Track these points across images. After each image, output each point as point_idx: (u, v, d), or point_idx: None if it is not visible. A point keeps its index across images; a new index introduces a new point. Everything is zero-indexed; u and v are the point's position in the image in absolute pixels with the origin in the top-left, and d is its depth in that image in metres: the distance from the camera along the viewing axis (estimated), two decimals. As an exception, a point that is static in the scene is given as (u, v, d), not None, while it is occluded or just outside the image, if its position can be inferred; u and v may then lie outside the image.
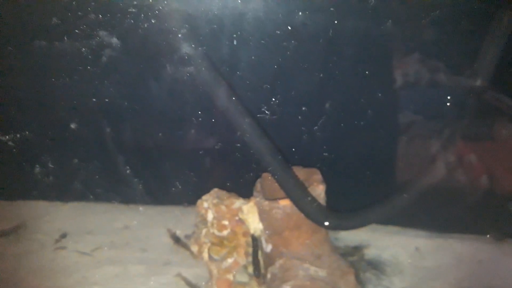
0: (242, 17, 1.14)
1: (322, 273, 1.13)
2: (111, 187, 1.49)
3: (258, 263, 1.25)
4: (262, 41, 1.17)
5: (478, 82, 1.26)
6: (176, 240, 1.43)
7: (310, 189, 1.20)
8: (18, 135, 1.35)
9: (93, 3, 1.10)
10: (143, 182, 1.47)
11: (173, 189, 1.48)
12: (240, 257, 1.23)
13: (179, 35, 1.10)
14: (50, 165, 1.42)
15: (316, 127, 1.28)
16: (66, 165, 1.44)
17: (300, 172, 1.27)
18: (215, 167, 1.41)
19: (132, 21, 1.11)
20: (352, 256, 1.39)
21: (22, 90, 1.31)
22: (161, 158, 1.44)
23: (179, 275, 1.28)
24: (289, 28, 1.14)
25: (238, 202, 1.28)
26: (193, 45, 1.11)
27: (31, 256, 1.32)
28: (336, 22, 1.14)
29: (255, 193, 1.29)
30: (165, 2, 1.08)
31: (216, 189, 1.35)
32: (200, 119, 1.31)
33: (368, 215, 1.23)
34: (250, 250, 1.25)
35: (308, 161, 1.31)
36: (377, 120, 1.31)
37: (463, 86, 1.26)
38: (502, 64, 1.23)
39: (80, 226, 1.46)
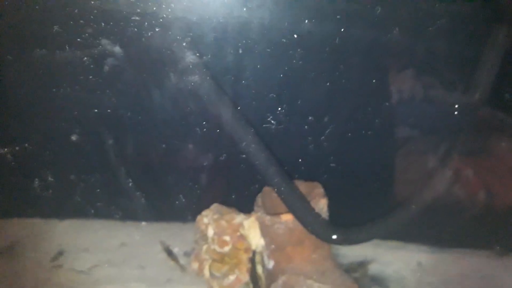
0: (248, 25, 1.14)
1: (326, 289, 1.11)
2: (107, 204, 1.47)
3: (256, 279, 1.23)
4: (268, 50, 1.17)
5: (477, 96, 1.26)
6: (169, 253, 1.41)
7: (312, 203, 1.18)
8: (13, 151, 1.33)
9: (95, 11, 1.10)
10: (140, 198, 1.45)
11: (171, 205, 1.45)
12: (242, 274, 1.21)
13: (183, 44, 1.10)
14: (46, 182, 1.39)
15: (323, 137, 1.27)
16: (62, 182, 1.41)
17: (301, 186, 1.26)
18: (215, 181, 1.40)
19: (136, 30, 1.11)
20: (355, 272, 1.37)
21: (19, 102, 1.29)
22: (158, 173, 1.42)
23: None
24: (295, 36, 1.15)
25: (239, 217, 1.26)
26: (197, 55, 1.10)
27: (26, 275, 1.30)
28: (342, 30, 1.14)
29: (256, 208, 1.27)
30: (169, 10, 1.08)
31: (216, 204, 1.33)
32: (201, 132, 1.30)
33: (372, 230, 1.22)
34: (252, 267, 1.23)
35: (315, 172, 1.30)
36: (384, 130, 1.31)
37: (469, 98, 1.27)
38: (500, 78, 1.24)
39: (76, 243, 1.44)
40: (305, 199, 1.17)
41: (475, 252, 1.46)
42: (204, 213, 1.30)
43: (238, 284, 1.20)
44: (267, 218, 1.19)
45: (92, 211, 1.45)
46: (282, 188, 1.15)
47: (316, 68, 1.21)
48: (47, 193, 1.40)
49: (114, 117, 1.29)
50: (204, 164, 1.36)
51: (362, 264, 1.40)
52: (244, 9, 1.10)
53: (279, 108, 1.25)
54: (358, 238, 1.22)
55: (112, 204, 1.45)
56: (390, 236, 1.47)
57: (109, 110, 1.27)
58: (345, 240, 1.18)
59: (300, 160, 1.33)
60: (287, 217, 1.17)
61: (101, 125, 1.31)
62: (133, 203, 1.43)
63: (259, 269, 1.26)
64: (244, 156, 1.16)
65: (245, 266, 1.22)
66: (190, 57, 1.11)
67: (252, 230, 1.24)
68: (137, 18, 1.11)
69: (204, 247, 1.25)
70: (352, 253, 1.42)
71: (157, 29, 1.10)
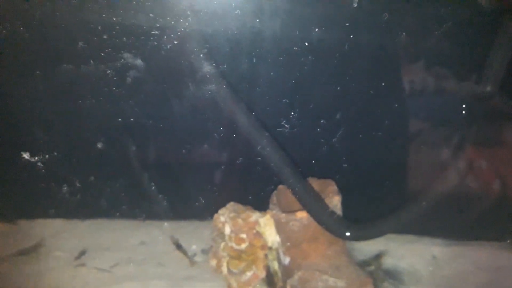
0: (261, 35, 1.18)
1: (341, 283, 1.13)
2: (127, 204, 1.51)
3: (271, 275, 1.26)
4: (280, 58, 1.20)
5: (489, 88, 1.27)
6: (178, 246, 1.45)
7: (326, 200, 1.21)
8: (39, 155, 1.38)
9: (117, 27, 1.14)
10: (159, 198, 1.49)
11: (189, 204, 1.49)
12: (259, 270, 1.24)
13: (200, 55, 1.13)
14: (69, 184, 1.44)
15: (335, 139, 1.30)
16: (84, 183, 1.46)
17: (315, 183, 1.28)
18: (231, 182, 1.43)
19: (155, 43, 1.15)
20: (370, 266, 1.39)
21: (48, 112, 1.35)
22: (177, 175, 1.46)
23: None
24: (306, 44, 1.17)
25: (254, 215, 1.29)
26: (213, 64, 1.14)
27: (51, 274, 1.34)
28: (351, 36, 1.16)
29: (271, 206, 1.30)
30: (186, 24, 1.11)
31: (232, 203, 1.36)
32: (217, 135, 1.33)
33: (387, 224, 1.24)
34: (269, 263, 1.26)
35: (328, 172, 1.33)
36: (394, 130, 1.33)
37: (475, 93, 1.27)
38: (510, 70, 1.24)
39: (98, 243, 1.47)
40: (320, 198, 1.19)
41: (491, 244, 1.47)
42: (220, 211, 1.33)
43: (255, 280, 1.24)
44: (282, 216, 1.22)
45: (113, 211, 1.50)
46: (297, 189, 1.17)
47: (327, 73, 1.24)
48: (69, 195, 1.45)
49: (136, 124, 1.34)
50: (221, 166, 1.40)
51: (376, 258, 1.42)
52: (257, 20, 1.13)
53: (292, 112, 1.28)
54: (372, 233, 1.24)
55: (132, 204, 1.50)
56: (403, 230, 1.49)
57: (132, 119, 1.33)
58: (360, 236, 1.21)
59: (313, 161, 1.36)
60: (302, 214, 1.20)
61: (124, 132, 1.36)
62: (152, 203, 1.48)
63: (275, 265, 1.29)
64: (259, 158, 1.20)
65: (262, 262, 1.25)
66: (207, 67, 1.15)
67: (267, 228, 1.27)
68: (157, 32, 1.15)
69: (222, 244, 1.28)
70: (366, 247, 1.44)
71: (175, 42, 1.14)
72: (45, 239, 1.46)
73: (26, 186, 1.46)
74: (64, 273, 1.34)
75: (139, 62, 1.20)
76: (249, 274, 1.23)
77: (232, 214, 1.30)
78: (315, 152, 1.36)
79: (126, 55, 1.18)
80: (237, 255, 1.26)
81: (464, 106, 1.27)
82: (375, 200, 1.41)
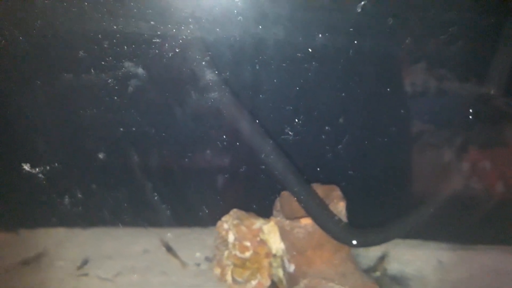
0: (263, 42, 1.17)
1: (347, 291, 1.12)
2: (128, 212, 1.50)
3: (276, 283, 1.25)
4: (284, 64, 1.19)
5: (493, 91, 1.26)
6: (168, 248, 1.45)
7: (331, 206, 1.19)
8: (40, 164, 1.37)
9: (118, 35, 1.13)
10: (160, 205, 1.48)
11: (190, 211, 1.48)
12: (264, 279, 1.23)
13: (203, 63, 1.12)
14: (70, 193, 1.43)
15: (340, 146, 1.28)
16: (85, 191, 1.45)
17: (319, 189, 1.27)
18: (235, 189, 1.42)
19: (157, 51, 1.14)
20: (375, 272, 1.37)
21: (49, 121, 1.34)
22: (177, 181, 1.45)
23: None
24: (310, 50, 1.16)
25: (258, 222, 1.28)
26: (216, 71, 1.13)
27: (54, 284, 1.33)
28: (355, 42, 1.15)
29: (275, 213, 1.28)
30: (188, 31, 1.10)
31: (235, 210, 1.35)
32: (220, 142, 1.32)
33: (393, 230, 1.22)
34: (273, 271, 1.24)
35: (333, 179, 1.32)
36: (400, 137, 1.32)
37: (481, 97, 1.26)
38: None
39: (100, 251, 1.47)
40: (325, 205, 1.17)
41: (498, 248, 1.45)
42: (224, 218, 1.32)
43: (260, 289, 1.22)
44: (287, 223, 1.20)
45: (114, 219, 1.48)
46: (302, 196, 1.16)
47: (330, 80, 1.23)
48: (71, 204, 1.44)
49: (138, 133, 1.33)
50: (224, 173, 1.39)
51: (382, 264, 1.40)
52: (260, 27, 1.12)
53: (296, 120, 1.27)
54: (378, 239, 1.23)
55: (133, 212, 1.48)
56: (409, 235, 1.47)
57: (133, 128, 1.32)
58: (366, 242, 1.19)
59: (318, 168, 1.35)
60: (307, 221, 1.18)
61: (126, 141, 1.35)
62: (155, 210, 1.47)
63: (280, 272, 1.27)
64: (264, 166, 1.19)
65: (267, 270, 1.23)
66: (209, 75, 1.13)
67: (272, 235, 1.25)
68: (158, 40, 1.14)
69: (226, 252, 1.27)
70: (371, 253, 1.43)
71: (177, 50, 1.13)
72: (48, 249, 1.46)
73: (27, 195, 1.45)
74: (66, 283, 1.33)
75: (140, 70, 1.19)
76: (254, 282, 1.22)
77: (235, 221, 1.29)
78: (320, 159, 1.34)
79: (127, 63, 1.17)
80: (242, 263, 1.24)
81: (471, 109, 1.26)
82: (380, 205, 1.40)
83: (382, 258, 1.41)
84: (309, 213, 1.16)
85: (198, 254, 1.45)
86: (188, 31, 1.12)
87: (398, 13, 1.13)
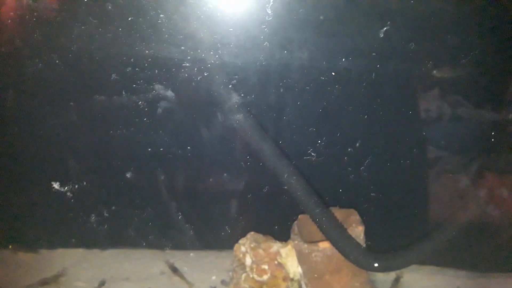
0: (288, 66, 1.21)
1: (365, 317, 1.11)
2: (147, 234, 1.52)
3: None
4: (307, 88, 1.23)
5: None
6: (174, 270, 1.45)
7: (349, 230, 1.19)
8: (62, 185, 1.40)
9: (149, 59, 1.18)
10: (178, 228, 1.49)
11: (208, 234, 1.49)
12: (282, 302, 1.22)
13: (229, 86, 1.16)
14: (91, 213, 1.46)
15: (362, 167, 1.30)
16: (105, 212, 1.47)
17: (337, 213, 1.27)
18: (254, 211, 1.43)
19: (186, 75, 1.19)
20: (393, 298, 1.36)
21: (73, 141, 1.39)
22: (196, 203, 1.47)
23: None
24: (333, 74, 1.20)
25: (275, 246, 1.28)
26: (241, 95, 1.17)
27: (72, 305, 1.34)
28: (378, 66, 1.19)
29: (292, 236, 1.29)
30: (216, 56, 1.15)
31: (252, 233, 1.35)
32: (242, 165, 1.35)
33: (412, 254, 1.22)
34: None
35: (355, 201, 1.33)
36: (422, 159, 1.33)
37: (500, 122, 1.28)
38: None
39: (118, 272, 1.47)
40: (345, 230, 1.18)
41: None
42: (241, 241, 1.32)
43: (278, 312, 1.22)
44: (305, 246, 1.21)
45: (135, 240, 1.50)
46: (323, 221, 1.17)
47: (353, 102, 1.26)
48: (91, 225, 1.47)
49: (165, 154, 1.36)
50: (242, 196, 1.41)
51: (399, 289, 1.39)
52: (285, 51, 1.17)
53: (319, 141, 1.29)
54: (398, 264, 1.22)
55: (153, 234, 1.50)
56: (427, 261, 1.46)
57: (161, 149, 1.35)
58: (385, 267, 1.18)
59: (340, 190, 1.36)
60: (325, 245, 1.18)
61: (152, 162, 1.39)
62: (173, 232, 1.48)
63: (298, 296, 1.27)
64: (285, 187, 1.20)
65: (284, 294, 1.23)
66: (235, 98, 1.18)
67: (289, 258, 1.25)
68: (188, 64, 1.19)
69: (243, 276, 1.27)
70: (389, 278, 1.42)
71: (205, 74, 1.18)
72: (66, 269, 1.47)
73: (48, 215, 1.47)
74: (84, 304, 1.34)
75: (169, 93, 1.23)
76: (271, 306, 1.22)
77: (253, 244, 1.29)
78: (342, 181, 1.36)
79: (157, 86, 1.22)
80: (259, 287, 1.24)
81: (493, 134, 1.26)
82: (401, 230, 1.40)
83: (397, 282, 1.40)
84: (328, 237, 1.16)
85: (214, 277, 1.45)
86: (217, 56, 1.17)
87: (420, 38, 1.16)
